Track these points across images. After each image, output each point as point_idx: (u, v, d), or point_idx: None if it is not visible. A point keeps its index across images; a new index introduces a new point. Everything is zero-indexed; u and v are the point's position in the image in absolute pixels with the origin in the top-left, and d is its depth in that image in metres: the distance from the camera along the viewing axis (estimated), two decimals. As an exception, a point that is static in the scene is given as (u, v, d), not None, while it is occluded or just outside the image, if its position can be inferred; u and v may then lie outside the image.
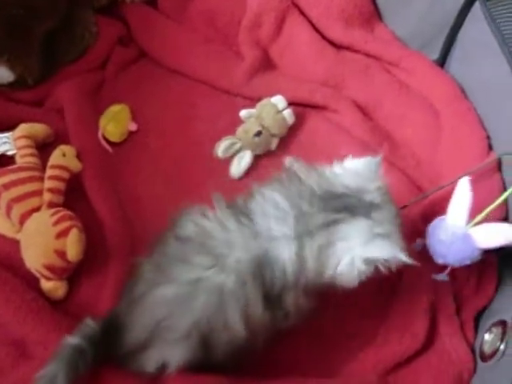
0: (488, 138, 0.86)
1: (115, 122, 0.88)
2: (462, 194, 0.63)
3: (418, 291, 0.70)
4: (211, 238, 0.55)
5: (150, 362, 0.58)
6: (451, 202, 0.64)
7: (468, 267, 0.73)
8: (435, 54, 1.00)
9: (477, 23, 0.87)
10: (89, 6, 0.98)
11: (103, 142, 0.86)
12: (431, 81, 0.96)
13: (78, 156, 0.81)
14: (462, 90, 0.94)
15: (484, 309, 0.72)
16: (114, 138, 0.88)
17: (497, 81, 0.82)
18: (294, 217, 0.55)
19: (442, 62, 1.00)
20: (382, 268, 0.56)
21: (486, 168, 0.80)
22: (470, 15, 0.90)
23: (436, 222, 0.67)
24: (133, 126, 0.91)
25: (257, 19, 1.01)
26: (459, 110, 0.90)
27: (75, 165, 0.78)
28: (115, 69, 0.99)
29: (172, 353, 0.57)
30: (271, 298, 0.55)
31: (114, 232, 0.75)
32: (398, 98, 0.97)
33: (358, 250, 0.54)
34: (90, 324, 0.59)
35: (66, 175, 0.76)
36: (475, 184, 0.78)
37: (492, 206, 0.62)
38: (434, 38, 0.98)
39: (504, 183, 0.80)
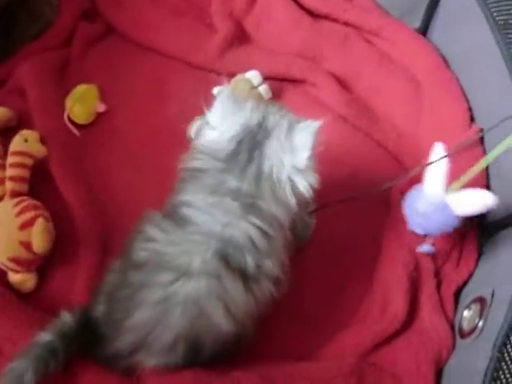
0: (470, 109, 0.84)
1: (82, 103, 0.83)
2: (437, 163, 0.61)
3: (398, 268, 0.69)
4: (165, 255, 0.54)
5: (135, 366, 0.56)
6: (427, 170, 0.62)
7: (449, 242, 0.73)
8: (417, 22, 0.96)
9: (458, -12, 0.84)
10: (47, -24, 0.92)
11: (69, 125, 0.82)
12: (412, 50, 0.93)
13: (42, 140, 0.77)
14: (444, 60, 0.91)
15: (465, 284, 0.71)
16: (81, 120, 0.84)
17: (479, 49, 0.80)
18: (228, 196, 0.55)
19: (424, 30, 0.96)
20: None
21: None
22: (451, -20, 0.86)
23: (413, 191, 0.65)
24: (101, 107, 0.86)
25: (229, -12, 0.96)
26: (441, 80, 0.87)
27: (38, 150, 0.74)
28: (81, 46, 0.94)
29: (159, 360, 0.56)
30: (249, 276, 0.55)
31: (84, 220, 0.72)
32: (378, 69, 0.94)
33: (287, 161, 0.56)
34: (64, 318, 0.57)
35: (28, 162, 0.72)
36: (456, 157, 0.77)
37: (469, 174, 0.60)
38: (416, 6, 0.94)
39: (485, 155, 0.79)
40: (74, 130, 0.82)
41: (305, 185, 0.58)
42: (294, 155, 0.56)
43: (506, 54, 0.73)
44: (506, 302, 0.55)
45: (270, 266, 0.56)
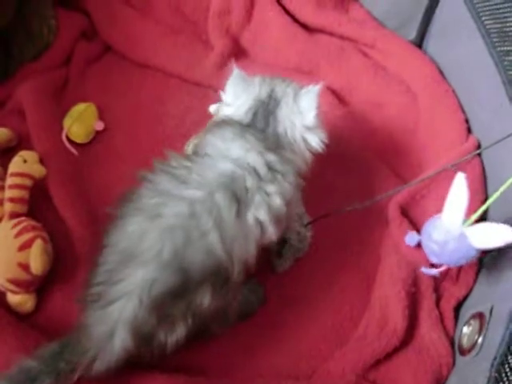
0: (467, 121, 0.84)
1: (80, 123, 0.84)
2: (459, 193, 0.59)
3: (397, 284, 0.69)
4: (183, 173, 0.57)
5: (119, 296, 0.53)
6: (447, 201, 0.61)
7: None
8: (412, 34, 0.96)
9: (452, 0, 0.84)
10: (46, -1, 0.93)
11: (67, 144, 0.83)
12: (408, 62, 0.93)
13: (41, 160, 0.77)
14: (440, 71, 0.91)
15: (465, 299, 0.71)
16: (80, 139, 0.85)
17: (473, 61, 0.79)
18: (253, 136, 0.60)
19: (419, 41, 0.97)
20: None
21: (465, 153, 0.78)
22: (445, -8, 0.86)
23: (431, 220, 0.64)
24: (99, 126, 0.87)
25: (225, 5, 0.96)
26: (437, 92, 0.87)
27: (38, 171, 0.75)
28: (80, 65, 0.95)
29: (144, 275, 0.53)
30: (243, 201, 0.57)
31: (83, 239, 0.72)
32: (374, 82, 0.94)
33: (298, 122, 0.65)
34: (47, 345, 0.56)
35: (28, 183, 0.73)
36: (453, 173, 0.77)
37: (487, 204, 0.59)
38: (411, 17, 0.95)
39: (483, 168, 0.78)
40: (72, 150, 0.83)
41: (316, 141, 0.66)
42: (303, 116, 0.65)
43: (500, 66, 0.72)
44: (505, 320, 0.54)
45: (277, 198, 0.58)
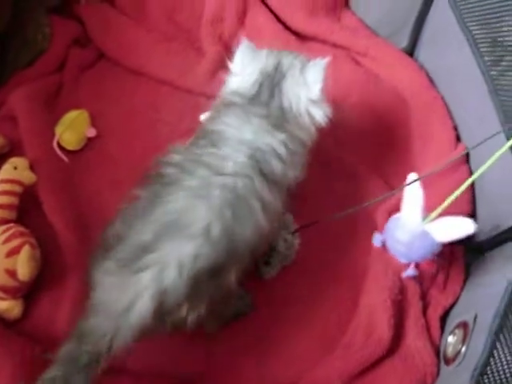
0: (456, 128, 0.84)
1: (72, 129, 0.85)
2: (413, 193, 0.61)
3: (383, 292, 0.69)
4: (200, 158, 0.59)
5: (152, 264, 0.52)
6: (403, 201, 0.62)
7: (434, 265, 0.72)
8: (404, 42, 0.97)
9: (441, 9, 0.84)
10: (40, 6, 0.94)
11: (58, 151, 0.83)
12: (399, 70, 0.94)
13: (32, 167, 0.78)
14: (431, 79, 0.91)
15: (452, 307, 0.71)
16: (71, 146, 0.85)
17: (461, 69, 0.80)
18: (258, 117, 0.62)
19: (411, 49, 0.97)
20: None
21: (453, 163, 0.78)
22: (435, 2, 0.87)
23: (391, 221, 0.65)
24: (91, 132, 0.87)
25: (217, 13, 0.97)
26: (427, 100, 0.88)
27: (28, 177, 0.75)
28: (73, 72, 0.95)
29: (189, 249, 0.52)
30: (275, 182, 0.60)
31: (71, 246, 0.73)
32: (366, 90, 0.94)
33: (303, 95, 0.65)
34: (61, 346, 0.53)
35: (18, 189, 0.73)
36: (442, 176, 0.77)
37: (446, 203, 0.60)
38: (403, 26, 0.95)
39: (471, 175, 0.78)
40: (63, 156, 0.83)
41: (321, 114, 0.67)
42: (309, 89, 0.66)
43: (487, 75, 0.73)
44: (486, 329, 0.54)
45: (293, 176, 0.64)
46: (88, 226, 0.78)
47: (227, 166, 0.58)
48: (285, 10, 0.99)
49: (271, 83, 0.66)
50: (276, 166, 0.61)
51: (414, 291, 0.71)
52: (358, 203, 0.80)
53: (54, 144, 0.83)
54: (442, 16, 0.84)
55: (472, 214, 0.75)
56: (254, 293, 0.73)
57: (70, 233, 0.74)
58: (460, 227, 0.59)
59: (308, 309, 0.73)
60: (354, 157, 0.86)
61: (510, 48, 0.74)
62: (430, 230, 0.61)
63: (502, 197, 0.69)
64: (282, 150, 0.62)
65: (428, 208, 0.65)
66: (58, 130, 0.85)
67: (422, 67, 0.93)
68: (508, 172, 0.66)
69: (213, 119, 0.66)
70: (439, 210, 0.60)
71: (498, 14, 0.75)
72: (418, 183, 0.62)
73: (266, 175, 0.59)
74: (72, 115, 0.87)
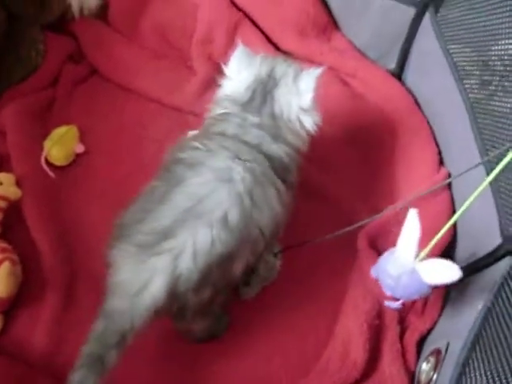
0: (440, 153, 0.85)
1: (60, 145, 0.86)
2: (411, 228, 0.60)
3: (360, 316, 0.69)
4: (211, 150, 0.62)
5: (170, 248, 0.54)
6: (401, 236, 0.62)
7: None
8: (392, 64, 0.98)
9: (426, 35, 0.86)
10: (35, 23, 0.96)
11: (45, 167, 0.84)
12: (386, 93, 0.95)
13: (18, 182, 0.79)
14: (417, 102, 0.92)
15: (429, 333, 0.71)
16: (59, 162, 0.86)
17: (445, 94, 0.81)
18: (254, 128, 0.65)
19: (399, 71, 0.98)
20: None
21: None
22: (421, 27, 0.88)
23: (386, 254, 0.65)
24: (79, 148, 0.89)
25: (208, 33, 0.99)
26: (412, 123, 0.89)
27: (13, 193, 0.77)
28: (66, 87, 0.97)
29: (199, 238, 0.54)
30: (286, 180, 0.65)
31: (52, 264, 0.73)
32: (353, 111, 0.95)
33: (294, 103, 0.67)
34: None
35: (3, 204, 0.74)
36: (424, 200, 0.77)
37: (435, 239, 0.60)
38: (391, 49, 0.97)
39: (453, 201, 0.79)
40: (50, 172, 0.84)
41: (310, 122, 0.68)
42: (300, 97, 0.67)
43: (468, 103, 0.74)
44: (455, 359, 0.54)
45: (292, 180, 0.67)
46: (71, 244, 0.79)
47: (244, 151, 0.61)
48: (275, 31, 1.00)
49: (264, 89, 0.67)
50: (282, 170, 0.64)
51: (392, 316, 0.71)
52: (340, 227, 0.81)
53: (42, 160, 0.85)
54: (426, 41, 0.86)
55: (452, 239, 0.76)
56: (231, 312, 0.73)
57: (51, 250, 0.75)
58: (446, 273, 0.58)
59: (286, 330, 0.73)
60: (337, 179, 0.86)
61: (498, 72, 0.75)
62: (419, 270, 0.60)
63: (480, 224, 0.69)
64: (287, 160, 0.65)
65: None
66: (47, 145, 0.86)
67: (409, 90, 0.94)
68: (485, 201, 0.66)
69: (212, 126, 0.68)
70: (428, 248, 0.60)
71: (487, 38, 0.76)
72: (417, 219, 0.61)
73: (276, 171, 0.63)
74: (61, 131, 0.88)
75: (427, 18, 0.85)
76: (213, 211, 0.55)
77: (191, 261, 0.54)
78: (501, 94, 0.72)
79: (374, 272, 0.66)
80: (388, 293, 0.63)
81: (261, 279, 0.75)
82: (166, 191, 0.58)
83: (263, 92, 0.67)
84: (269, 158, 0.63)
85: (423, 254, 0.59)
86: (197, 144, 0.62)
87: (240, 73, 0.69)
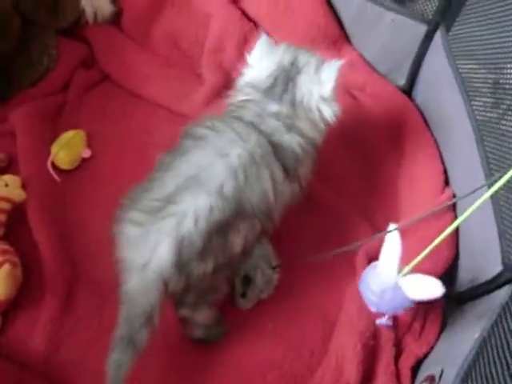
0: (445, 172, 0.83)
1: (67, 149, 0.87)
2: (392, 245, 0.60)
3: (354, 336, 0.68)
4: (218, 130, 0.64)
5: (175, 213, 0.58)
6: (382, 251, 0.62)
7: (410, 313, 0.71)
8: (402, 80, 0.97)
9: (437, 53, 0.85)
10: (49, 29, 0.97)
11: (51, 170, 0.85)
12: (394, 108, 0.94)
13: (24, 185, 0.81)
14: (425, 119, 0.91)
15: (425, 357, 0.70)
16: (65, 165, 0.87)
17: (452, 115, 0.80)
18: (272, 118, 0.66)
19: (409, 88, 0.97)
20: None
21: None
22: (431, 45, 0.87)
23: (369, 268, 0.65)
24: (86, 153, 0.90)
25: (219, 42, 0.99)
26: (419, 141, 0.88)
27: (18, 195, 0.78)
28: (77, 92, 0.99)
29: (205, 202, 0.58)
30: (289, 170, 0.66)
31: (53, 266, 0.74)
32: (360, 125, 0.95)
33: (316, 92, 0.69)
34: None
35: (6, 206, 0.76)
36: (426, 222, 0.76)
37: (420, 257, 0.59)
38: (401, 64, 0.96)
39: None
40: (55, 176, 0.85)
41: (330, 112, 0.70)
42: (321, 87, 0.69)
43: (475, 124, 0.72)
44: (447, 388, 0.53)
45: (304, 172, 0.69)
46: (73, 248, 0.79)
47: (251, 137, 0.63)
48: (286, 42, 1.00)
49: (286, 77, 0.69)
50: (290, 161, 0.66)
51: (387, 337, 0.70)
52: (340, 242, 0.80)
53: (48, 163, 0.86)
54: (436, 60, 0.85)
55: (454, 261, 0.74)
56: (231, 321, 0.73)
57: (53, 253, 0.76)
58: (429, 288, 0.58)
59: (280, 345, 0.73)
60: (338, 194, 0.86)
61: (510, 91, 0.74)
62: (402, 285, 0.60)
63: (482, 249, 0.67)
64: (298, 150, 0.67)
65: (409, 254, 0.65)
66: (54, 149, 0.87)
67: (417, 107, 0.93)
68: (488, 226, 0.65)
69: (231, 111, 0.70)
70: (412, 264, 0.59)
71: (501, 56, 0.74)
72: (397, 234, 0.61)
73: (280, 160, 0.65)
74: (69, 135, 0.89)
75: (438, 37, 0.84)
76: (211, 181, 0.59)
77: (193, 225, 0.57)
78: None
79: (360, 288, 0.66)
80: (372, 308, 0.63)
81: (257, 291, 0.75)
82: (172, 160, 0.63)
83: (285, 79, 0.69)
84: (277, 146, 0.65)
85: (407, 269, 0.59)
86: (208, 123, 0.65)
87: (262, 61, 0.71)
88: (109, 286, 0.74)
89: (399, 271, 0.61)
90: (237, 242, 0.62)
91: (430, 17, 0.85)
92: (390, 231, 0.64)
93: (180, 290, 0.61)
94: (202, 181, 0.59)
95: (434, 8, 0.83)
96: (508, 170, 0.52)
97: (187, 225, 0.57)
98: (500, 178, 0.53)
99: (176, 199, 0.58)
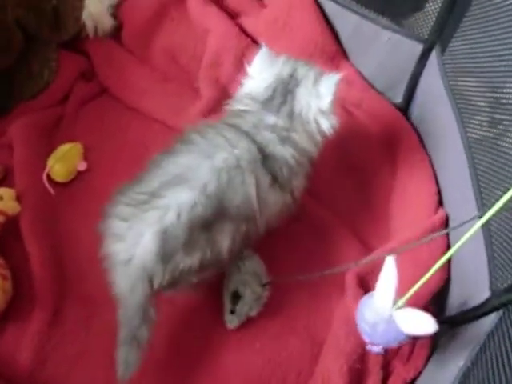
0: (439, 192, 0.83)
1: (63, 162, 0.88)
2: (388, 276, 0.59)
3: (340, 357, 0.67)
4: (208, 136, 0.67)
5: (159, 206, 0.61)
6: (378, 283, 0.60)
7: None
8: (399, 98, 0.97)
9: (432, 73, 0.85)
10: (50, 42, 0.99)
11: (46, 183, 0.86)
12: (390, 127, 0.94)
13: (19, 197, 0.81)
14: (421, 138, 0.90)
15: (413, 381, 0.69)
16: (61, 178, 0.88)
17: (446, 136, 0.79)
18: (267, 130, 0.68)
19: (406, 105, 0.97)
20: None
21: (431, 229, 0.76)
22: (427, 64, 0.87)
23: (364, 298, 0.64)
24: (82, 166, 0.90)
25: (216, 58, 1.00)
26: (413, 161, 0.87)
27: (12, 207, 0.79)
28: (75, 105, 1.00)
29: (189, 197, 0.60)
30: (278, 179, 0.68)
31: (42, 279, 0.75)
32: (355, 141, 0.94)
33: (314, 104, 0.70)
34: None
35: (0, 219, 0.77)
36: (418, 247, 0.75)
37: (414, 288, 0.58)
38: (398, 82, 0.96)
39: (449, 245, 0.77)
40: (50, 189, 0.86)
41: (327, 125, 0.71)
42: (320, 100, 0.70)
43: (466, 143, 0.72)
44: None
45: (297, 184, 0.71)
46: (64, 261, 0.80)
47: (242, 144, 0.65)
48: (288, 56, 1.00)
49: (285, 89, 0.70)
50: (283, 171, 0.67)
51: (375, 360, 0.69)
52: (331, 260, 0.80)
53: (44, 176, 0.87)
54: (431, 79, 0.84)
55: (446, 284, 0.73)
56: (211, 340, 0.73)
57: (43, 267, 0.76)
58: (422, 324, 0.57)
59: (266, 365, 0.72)
60: (331, 211, 0.85)
61: (509, 110, 0.73)
62: (396, 318, 0.59)
63: (472, 274, 0.67)
64: (292, 162, 0.68)
65: (401, 278, 0.63)
66: (50, 162, 0.88)
67: (413, 126, 0.93)
68: (478, 251, 0.64)
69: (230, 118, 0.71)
70: (406, 297, 0.58)
71: (501, 73, 0.74)
72: (394, 265, 0.59)
73: (270, 172, 0.66)
74: (65, 148, 0.90)
75: (434, 56, 0.84)
76: (195, 180, 0.62)
77: (175, 218, 0.60)
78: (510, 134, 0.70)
79: (356, 317, 0.65)
80: (366, 339, 0.62)
81: (246, 308, 0.75)
82: (161, 160, 0.66)
83: (284, 91, 0.70)
84: (269, 156, 0.66)
85: (401, 302, 0.58)
86: (199, 128, 0.68)
87: (262, 72, 0.72)
88: (98, 299, 0.75)
89: (394, 303, 0.59)
90: (223, 241, 0.64)
91: (426, 36, 0.85)
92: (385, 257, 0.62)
93: (166, 286, 0.63)
94: (187, 179, 0.62)
95: (430, 27, 0.83)
96: (500, 199, 0.51)
97: (170, 218, 0.60)
98: (491, 207, 0.52)
99: (161, 193, 0.61)
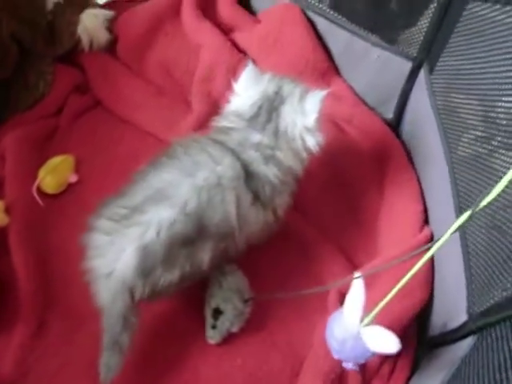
0: (426, 211, 0.82)
1: (54, 174, 0.89)
2: (356, 293, 0.59)
3: (319, 377, 0.67)
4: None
5: (140, 222, 0.62)
6: (346, 300, 0.60)
7: (379, 356, 0.70)
8: (390, 114, 0.97)
9: (420, 91, 0.85)
10: (45, 55, 1.01)
11: (35, 195, 0.87)
12: (379, 143, 0.94)
13: (8, 209, 0.83)
14: (410, 156, 0.90)
15: (392, 402, 0.68)
16: (51, 190, 0.89)
17: (433, 155, 0.79)
18: (252, 149, 0.68)
19: (397, 122, 0.97)
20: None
21: (416, 247, 0.75)
22: (417, 81, 0.87)
23: (334, 314, 0.64)
24: (73, 178, 0.92)
25: (209, 72, 1.01)
26: (401, 179, 0.87)
27: (0, 219, 0.80)
28: (69, 117, 1.01)
29: (169, 215, 0.61)
30: (260, 197, 0.68)
31: (27, 290, 0.75)
32: (344, 157, 0.94)
33: (299, 122, 0.70)
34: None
35: (-12, 230, 0.78)
36: (401, 264, 0.75)
37: (380, 305, 0.58)
38: (388, 98, 0.96)
39: (433, 263, 0.76)
40: (39, 200, 0.87)
41: (313, 142, 0.71)
42: (305, 117, 0.70)
43: (449, 161, 0.71)
44: None
45: (280, 202, 0.71)
46: (50, 273, 0.80)
47: (226, 161, 0.65)
48: (274, 73, 1.01)
49: (270, 106, 0.70)
50: (265, 190, 0.68)
51: (355, 380, 0.69)
52: (316, 277, 0.80)
53: (34, 188, 0.88)
54: (419, 97, 0.85)
55: (429, 304, 0.73)
56: (192, 356, 0.74)
57: (28, 278, 0.76)
58: (385, 343, 0.57)
59: (247, 379, 0.72)
60: (317, 227, 0.85)
61: (502, 127, 0.73)
62: (363, 335, 0.59)
63: (452, 294, 0.66)
64: (276, 181, 0.68)
65: (381, 294, 0.63)
66: (41, 173, 0.89)
67: (404, 143, 0.93)
68: (458, 273, 0.63)
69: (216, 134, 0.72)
70: (373, 314, 0.58)
71: (495, 92, 0.74)
72: (361, 283, 0.60)
73: (252, 190, 0.67)
74: (57, 160, 0.91)
75: (422, 74, 0.84)
76: (176, 197, 0.62)
77: (155, 235, 0.61)
78: (502, 151, 0.70)
79: (326, 333, 0.65)
80: (335, 355, 0.62)
81: (228, 324, 0.75)
82: (147, 172, 0.67)
83: (269, 109, 0.70)
84: (253, 174, 0.67)
85: (368, 319, 0.58)
86: (184, 143, 0.69)
87: (247, 90, 0.72)
88: (82, 312, 0.76)
89: (362, 320, 0.59)
90: (204, 257, 0.65)
91: (415, 54, 0.85)
92: (356, 277, 0.63)
93: (148, 297, 0.64)
94: (167, 196, 0.63)
95: (418, 46, 0.84)
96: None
97: (150, 235, 0.61)
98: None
99: (143, 209, 0.62)
